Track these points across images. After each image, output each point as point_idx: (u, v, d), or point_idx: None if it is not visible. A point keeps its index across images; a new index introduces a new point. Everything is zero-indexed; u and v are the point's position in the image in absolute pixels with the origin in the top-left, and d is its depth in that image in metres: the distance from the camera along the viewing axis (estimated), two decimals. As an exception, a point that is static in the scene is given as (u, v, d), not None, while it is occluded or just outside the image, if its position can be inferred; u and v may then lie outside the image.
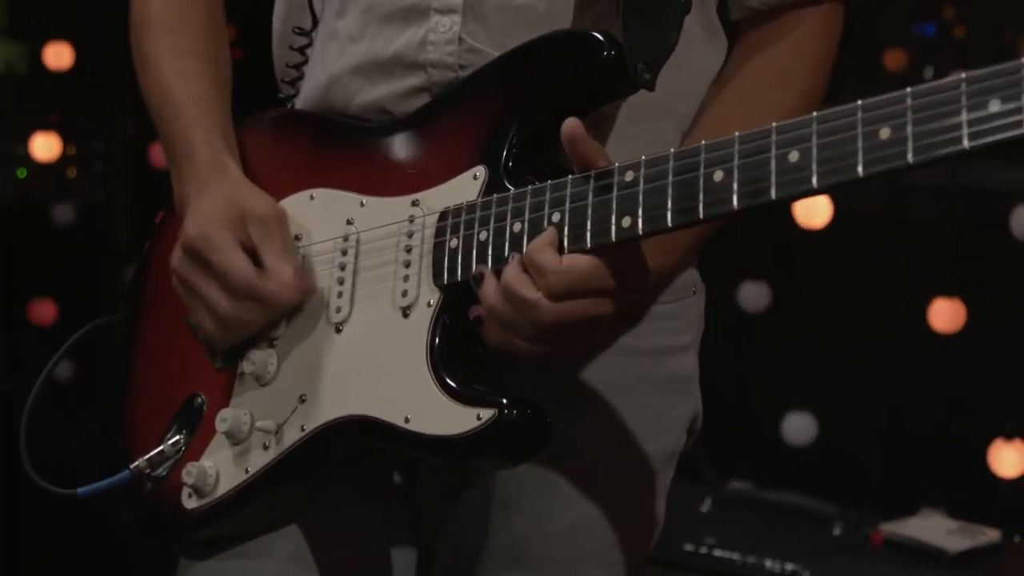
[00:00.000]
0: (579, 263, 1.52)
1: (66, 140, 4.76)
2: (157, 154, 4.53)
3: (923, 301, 3.78)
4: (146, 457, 1.82)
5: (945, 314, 3.70)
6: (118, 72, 4.55)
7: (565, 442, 1.66)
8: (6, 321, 4.71)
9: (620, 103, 1.75)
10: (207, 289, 1.73)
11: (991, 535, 3.43)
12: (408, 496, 1.91)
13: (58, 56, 4.72)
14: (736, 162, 1.44)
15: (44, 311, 4.77)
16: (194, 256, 1.73)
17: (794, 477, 3.76)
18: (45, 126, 4.73)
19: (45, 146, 4.72)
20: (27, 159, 4.73)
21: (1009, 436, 3.59)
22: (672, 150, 1.50)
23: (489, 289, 1.57)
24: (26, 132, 4.73)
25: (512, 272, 1.55)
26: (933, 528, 3.43)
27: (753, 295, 3.95)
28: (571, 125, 1.53)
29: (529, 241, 1.56)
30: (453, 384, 1.60)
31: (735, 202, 1.44)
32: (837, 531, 3.51)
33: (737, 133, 1.45)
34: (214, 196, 1.76)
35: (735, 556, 3.31)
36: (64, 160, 4.78)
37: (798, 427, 3.83)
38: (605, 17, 1.72)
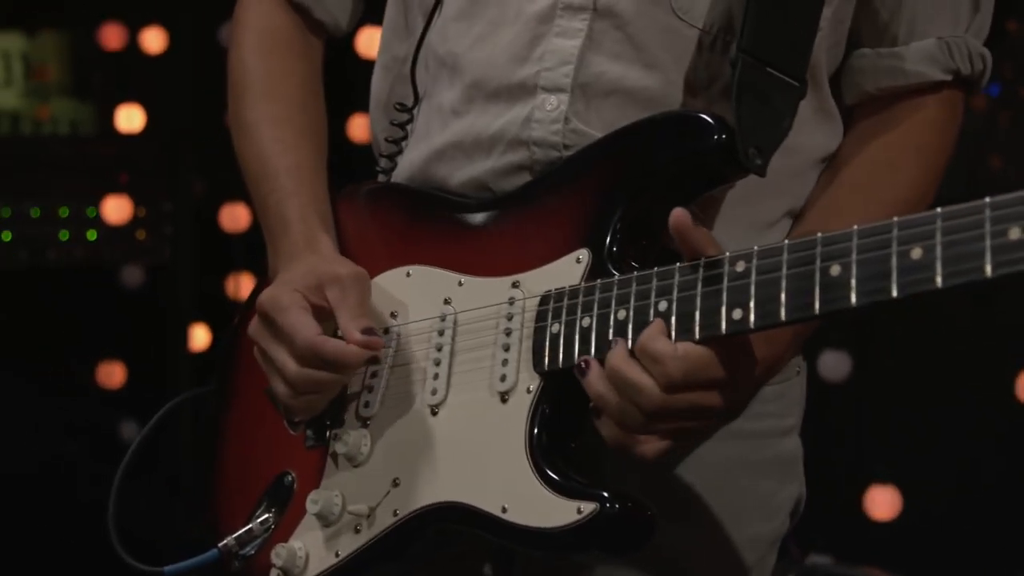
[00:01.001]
0: (695, 351, 1.49)
1: (136, 202, 4.77)
2: (226, 216, 4.57)
3: (1011, 370, 3.69)
4: (235, 535, 1.80)
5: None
6: (188, 134, 4.70)
7: (667, 534, 1.62)
8: (74, 384, 4.71)
9: None
10: (276, 352, 1.71)
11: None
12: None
13: (129, 118, 4.74)
14: (855, 256, 1.41)
15: (112, 373, 4.77)
16: (264, 319, 1.72)
17: (875, 551, 3.68)
18: (116, 188, 4.74)
19: (116, 208, 4.73)
20: (97, 220, 4.74)
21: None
22: (786, 241, 1.47)
23: (594, 377, 1.53)
24: (95, 194, 4.74)
25: (618, 356, 1.52)
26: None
27: (833, 364, 3.89)
28: (678, 215, 1.51)
29: (635, 330, 1.53)
30: (553, 475, 1.58)
31: (853, 299, 1.41)
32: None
33: (856, 227, 1.42)
34: (298, 267, 1.76)
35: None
36: (134, 222, 4.79)
37: (882, 500, 3.76)
38: (718, 100, 1.70)
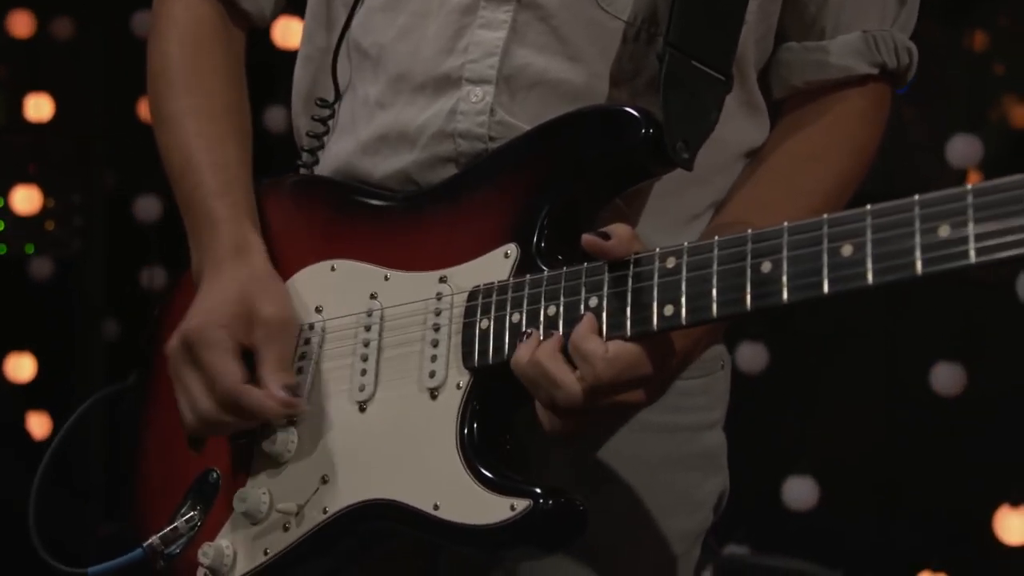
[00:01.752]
0: (625, 351, 1.49)
1: (45, 193, 4.72)
2: (140, 208, 4.50)
3: (925, 362, 3.73)
4: (160, 534, 1.77)
5: (946, 377, 3.65)
6: (99, 124, 4.61)
7: (595, 529, 1.59)
8: None
9: None
10: (193, 385, 1.70)
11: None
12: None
13: (38, 108, 4.69)
14: (786, 253, 1.40)
15: (21, 366, 4.71)
16: (187, 348, 1.71)
17: (792, 541, 3.71)
18: (25, 178, 4.69)
19: (25, 199, 4.68)
20: (6, 211, 4.70)
21: (1015, 502, 3.55)
22: (716, 238, 1.46)
23: (523, 354, 1.53)
24: (3, 184, 4.69)
25: (547, 349, 1.51)
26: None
27: (750, 356, 3.91)
28: (587, 241, 1.51)
29: (565, 325, 1.52)
30: (485, 472, 1.56)
31: (785, 296, 1.40)
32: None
33: (786, 223, 1.42)
34: (227, 285, 1.73)
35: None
36: (44, 213, 4.74)
37: (799, 491, 3.77)
38: (643, 93, 1.70)
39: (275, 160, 1.97)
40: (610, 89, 1.70)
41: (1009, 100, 4.15)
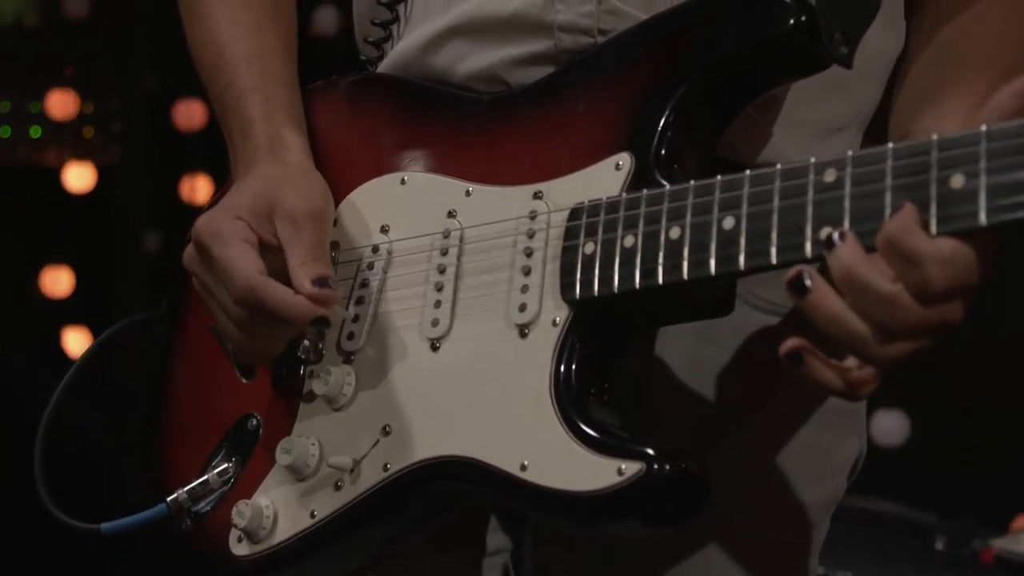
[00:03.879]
0: (962, 251, 1.17)
1: (83, 97, 4.67)
2: (181, 114, 4.44)
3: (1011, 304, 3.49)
4: (186, 488, 1.57)
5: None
6: (139, 23, 4.51)
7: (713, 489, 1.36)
8: (18, 293, 4.62)
9: None
10: (216, 288, 1.49)
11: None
12: (508, 545, 1.61)
13: (75, 5, 4.61)
14: (984, 164, 1.15)
15: (58, 280, 4.67)
16: (200, 249, 1.50)
17: (883, 483, 3.50)
18: (61, 81, 4.63)
19: (61, 103, 4.62)
20: (42, 116, 4.65)
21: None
22: (891, 145, 1.21)
23: (824, 296, 1.21)
24: (40, 88, 4.63)
25: (853, 255, 1.19)
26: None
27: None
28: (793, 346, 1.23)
29: (691, 251, 1.27)
30: (586, 428, 1.33)
31: (983, 217, 1.15)
32: (940, 546, 3.21)
33: (983, 127, 1.15)
34: (251, 181, 1.53)
35: (830, 574, 3.02)
36: (81, 119, 4.70)
37: (888, 427, 3.56)
38: None
39: (323, 72, 1.75)
40: None
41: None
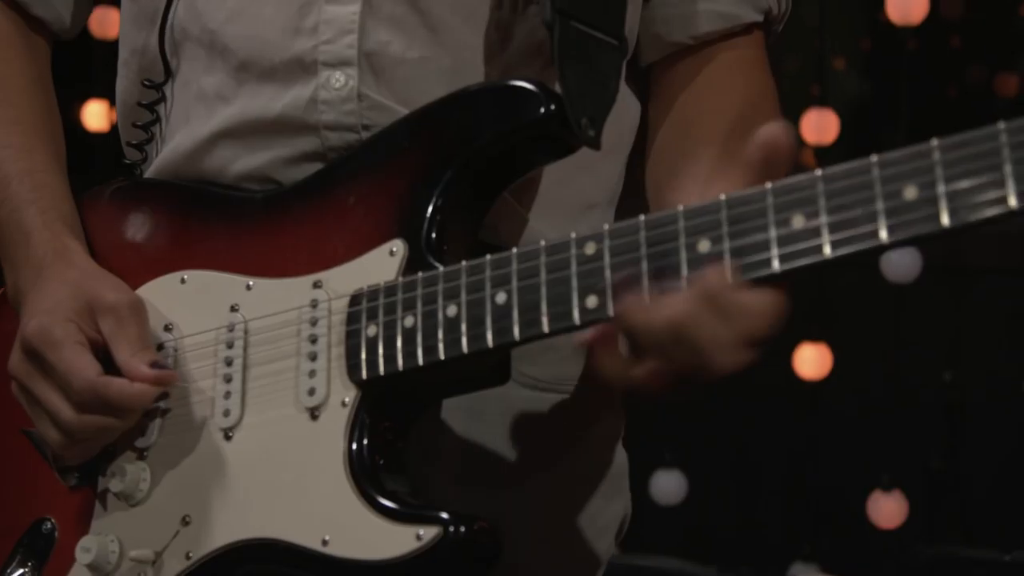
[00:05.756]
0: (768, 301, 1.28)
1: None
2: None
3: (788, 347, 3.64)
4: None
5: (811, 360, 3.57)
6: None
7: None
8: None
9: None
10: (48, 396, 1.49)
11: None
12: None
13: None
14: (726, 229, 1.26)
15: None
16: (32, 356, 1.50)
17: (660, 539, 3.59)
18: None
19: None
20: None
21: (887, 487, 3.48)
22: (642, 217, 1.31)
23: (641, 316, 1.28)
24: None
25: (717, 279, 1.26)
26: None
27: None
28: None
29: (468, 326, 1.35)
30: (381, 498, 1.38)
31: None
32: (721, 598, 3.33)
33: (723, 196, 1.27)
34: (56, 286, 1.53)
35: (622, 633, 3.10)
36: None
37: (667, 486, 3.65)
38: (516, 66, 1.54)
39: (95, 161, 1.75)
40: (480, 63, 1.54)
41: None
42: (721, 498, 3.93)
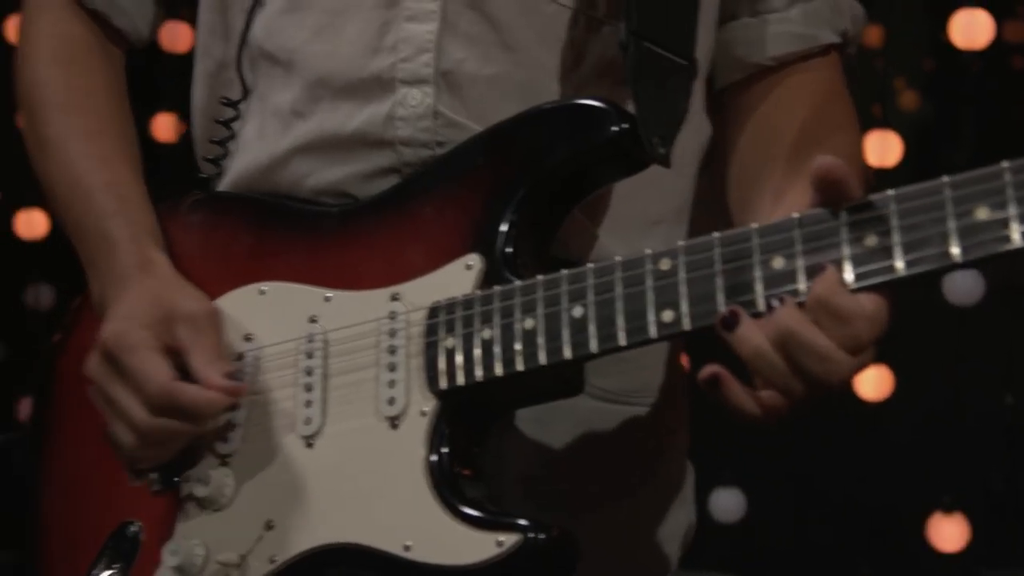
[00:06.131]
0: (879, 305, 1.31)
1: None
2: (22, 223, 4.28)
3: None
4: None
5: (871, 381, 3.57)
6: None
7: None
8: None
9: None
10: (122, 397, 1.54)
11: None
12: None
13: None
14: (800, 248, 1.30)
15: None
16: (108, 359, 1.55)
17: (718, 556, 3.60)
18: None
19: None
20: None
21: (948, 509, 3.47)
22: (716, 234, 1.35)
23: (752, 333, 1.31)
24: None
25: (794, 316, 1.29)
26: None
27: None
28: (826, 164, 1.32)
29: (546, 339, 1.39)
30: (461, 505, 1.42)
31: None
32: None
33: (796, 215, 1.31)
34: (137, 294, 1.58)
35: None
36: None
37: (726, 503, 3.67)
38: (588, 84, 1.58)
39: (162, 171, 1.80)
40: (553, 81, 1.58)
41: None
42: (780, 517, 3.92)
